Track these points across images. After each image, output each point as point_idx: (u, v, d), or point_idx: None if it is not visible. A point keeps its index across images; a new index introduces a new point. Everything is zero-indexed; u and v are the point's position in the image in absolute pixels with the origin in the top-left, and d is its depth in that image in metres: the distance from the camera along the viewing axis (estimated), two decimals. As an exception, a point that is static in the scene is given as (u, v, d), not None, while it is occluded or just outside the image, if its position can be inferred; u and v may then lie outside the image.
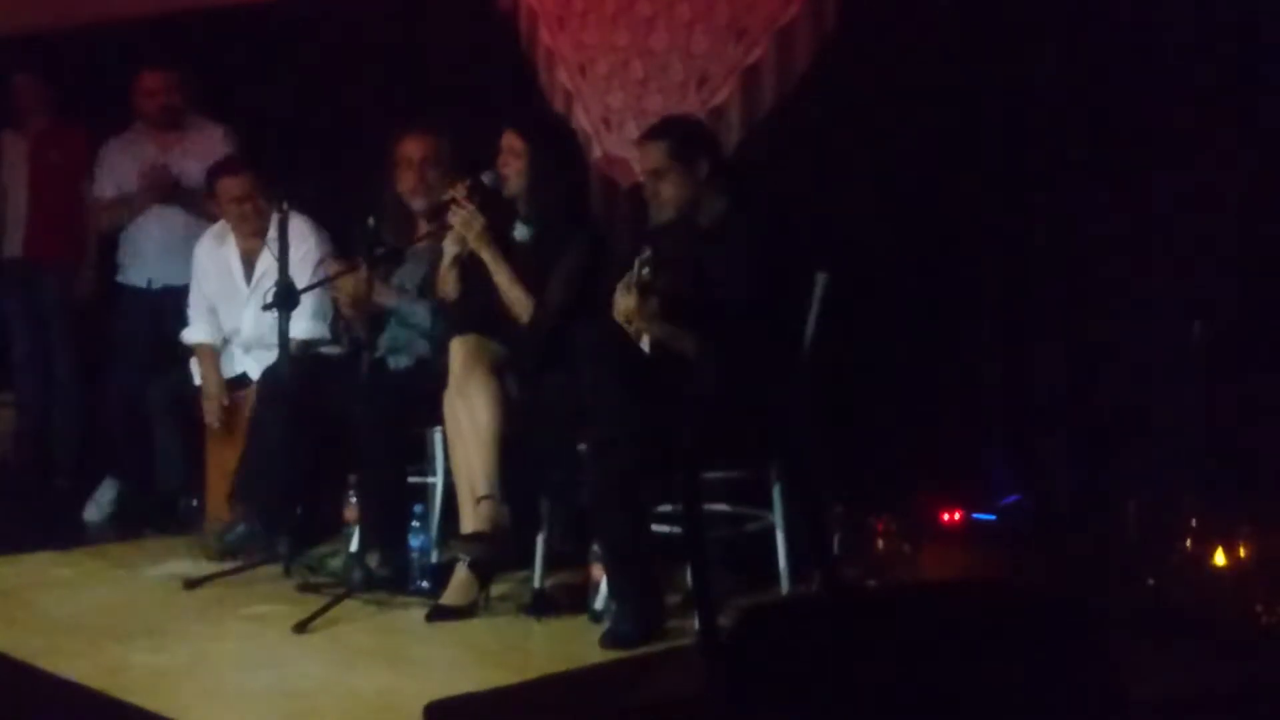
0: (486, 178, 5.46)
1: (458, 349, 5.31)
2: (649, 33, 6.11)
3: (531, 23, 6.48)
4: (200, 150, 6.90)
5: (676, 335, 4.92)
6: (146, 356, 6.85)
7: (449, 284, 5.52)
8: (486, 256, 5.40)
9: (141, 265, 6.95)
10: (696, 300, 4.94)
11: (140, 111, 7.00)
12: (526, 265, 5.45)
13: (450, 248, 5.52)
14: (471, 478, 5.23)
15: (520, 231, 5.50)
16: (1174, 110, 4.92)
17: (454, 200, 5.45)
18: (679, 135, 5.16)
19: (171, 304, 6.80)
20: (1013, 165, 5.31)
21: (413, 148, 5.83)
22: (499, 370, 5.31)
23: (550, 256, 5.42)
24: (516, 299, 5.37)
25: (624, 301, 4.91)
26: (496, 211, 5.50)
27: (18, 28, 7.62)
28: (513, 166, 5.46)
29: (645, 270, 4.84)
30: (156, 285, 6.91)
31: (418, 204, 5.81)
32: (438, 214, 5.65)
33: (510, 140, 5.47)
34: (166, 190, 6.84)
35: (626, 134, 6.03)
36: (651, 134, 5.25)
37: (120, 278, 7.03)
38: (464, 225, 5.40)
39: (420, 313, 5.83)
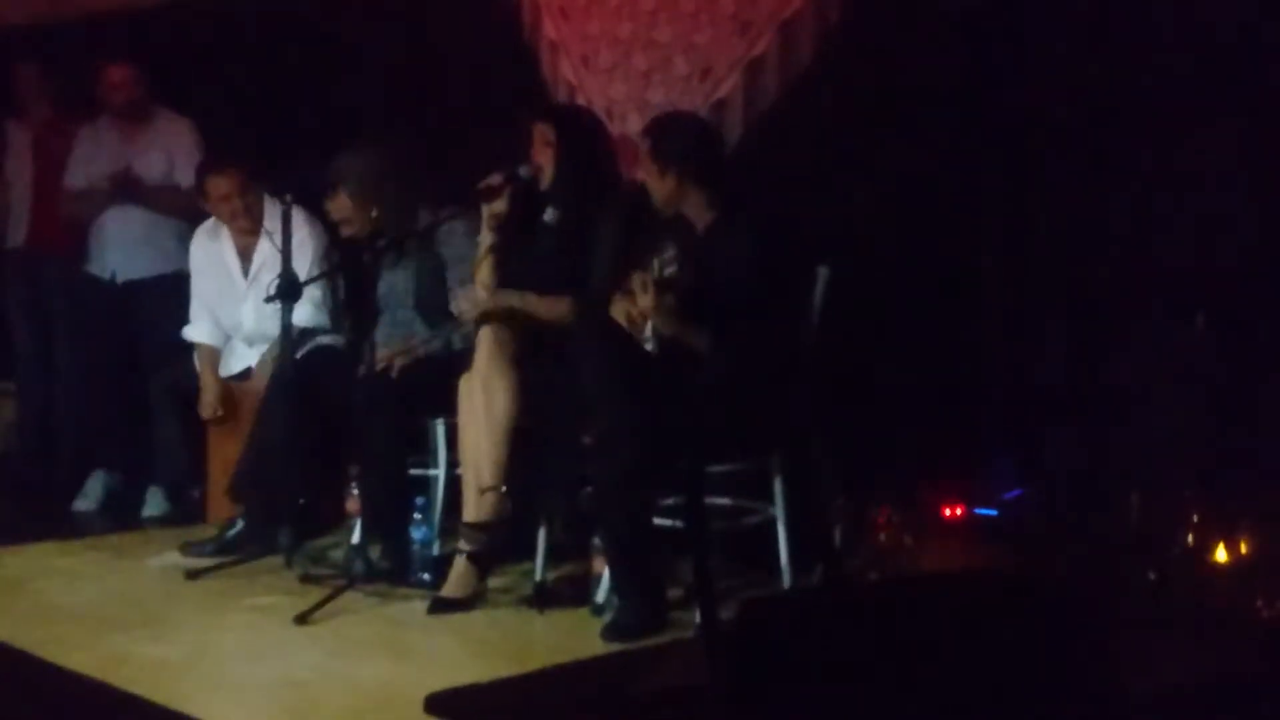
0: (523, 171, 5.46)
1: (484, 338, 5.31)
2: (652, 25, 6.11)
3: (535, 14, 6.47)
4: (166, 143, 6.95)
5: (689, 332, 4.91)
6: (110, 347, 6.98)
7: (484, 275, 5.51)
8: (515, 302, 5.40)
9: (104, 258, 6.98)
10: (702, 299, 4.92)
11: (106, 105, 7.02)
12: (556, 246, 5.46)
13: (485, 238, 5.52)
14: (479, 466, 5.24)
15: (549, 215, 5.50)
16: (1179, 101, 4.91)
17: (484, 191, 5.46)
18: (657, 136, 5.16)
19: (134, 298, 6.91)
20: (1016, 158, 5.30)
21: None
22: (521, 361, 5.31)
23: (577, 235, 5.42)
24: (555, 310, 5.35)
25: (641, 299, 4.90)
26: (530, 203, 5.53)
27: (20, 17, 7.62)
28: (546, 156, 5.48)
29: (669, 270, 4.82)
30: (120, 278, 6.94)
31: (347, 232, 5.92)
32: (476, 199, 5.66)
33: (542, 131, 5.48)
34: (129, 190, 6.86)
35: (629, 126, 6.02)
36: (643, 130, 5.29)
37: (86, 267, 7.06)
38: (469, 306, 5.41)
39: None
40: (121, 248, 6.92)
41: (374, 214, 5.70)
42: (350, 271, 6.11)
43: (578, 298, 5.32)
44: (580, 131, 5.58)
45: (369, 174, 5.86)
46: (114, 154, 6.93)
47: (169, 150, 6.92)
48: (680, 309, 4.87)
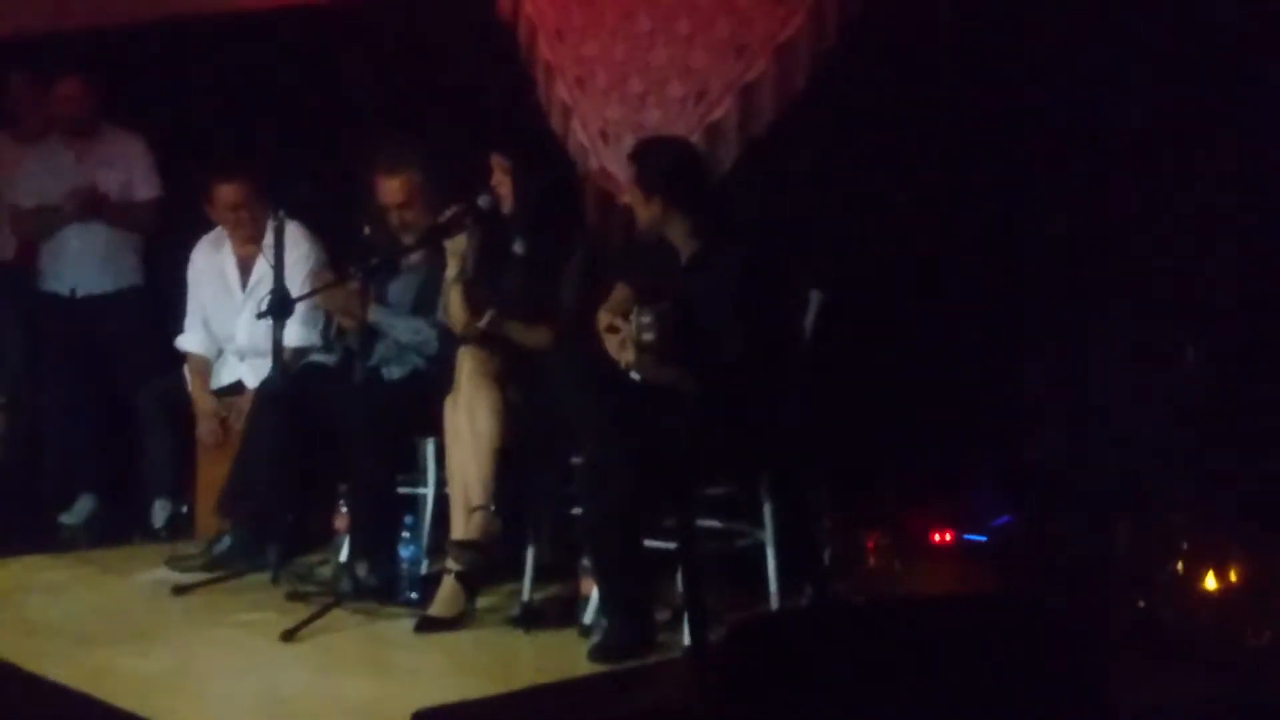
0: (482, 201, 5.48)
1: (465, 358, 5.32)
2: (648, 47, 6.10)
3: (531, 35, 6.46)
4: (122, 159, 6.95)
5: (670, 377, 4.90)
6: (79, 365, 6.96)
7: (455, 307, 5.51)
8: (500, 332, 5.39)
9: (64, 274, 6.96)
10: (686, 336, 4.91)
11: (56, 119, 7.00)
12: (526, 278, 5.47)
13: (450, 271, 5.53)
14: (467, 486, 5.25)
15: (518, 246, 5.52)
16: (1174, 131, 4.92)
17: (446, 225, 5.47)
18: (642, 161, 5.18)
19: (97, 312, 6.90)
20: (1009, 183, 5.31)
21: (386, 191, 5.83)
22: (503, 381, 5.32)
23: (547, 266, 5.45)
24: (536, 338, 5.37)
25: (623, 355, 4.91)
26: (493, 232, 5.53)
27: (12, 28, 7.61)
28: (504, 185, 5.50)
29: (648, 336, 4.81)
30: (80, 294, 6.93)
31: (406, 239, 5.83)
32: (427, 240, 5.65)
33: (497, 160, 5.52)
34: (94, 208, 6.85)
35: (624, 148, 5.99)
36: (628, 155, 5.31)
37: (42, 286, 7.04)
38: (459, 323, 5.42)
39: (410, 330, 5.82)
40: (83, 264, 6.91)
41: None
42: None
43: (555, 327, 5.34)
44: (537, 160, 5.62)
45: (431, 167, 5.86)
46: (70, 171, 6.91)
47: (126, 166, 6.94)
48: (662, 355, 4.86)
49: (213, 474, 6.29)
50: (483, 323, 5.33)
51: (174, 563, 5.97)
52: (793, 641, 2.74)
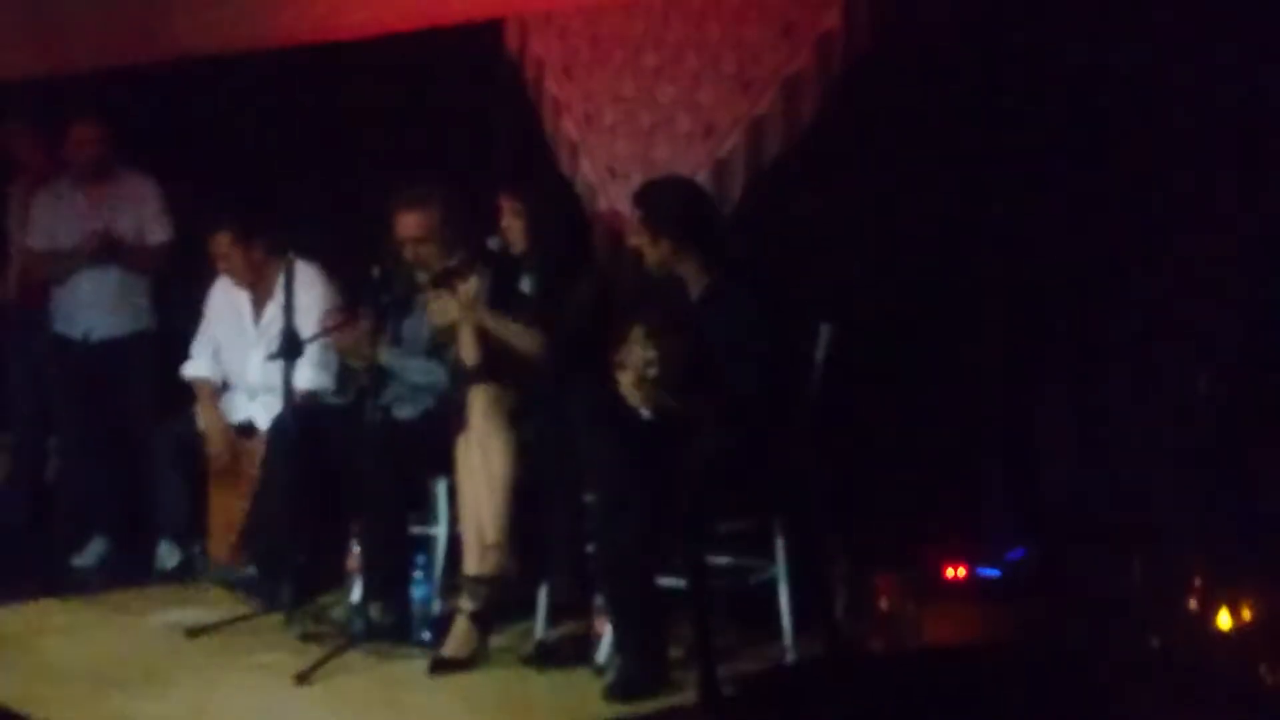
0: (492, 243, 5.51)
1: (479, 397, 5.32)
2: (656, 83, 6.11)
3: (538, 72, 6.47)
4: (131, 202, 6.95)
5: (680, 408, 4.91)
6: (90, 408, 6.97)
7: (468, 351, 5.52)
8: (487, 324, 5.43)
9: (77, 318, 6.95)
10: (700, 370, 4.91)
11: (71, 162, 7.00)
12: (532, 316, 5.49)
13: (462, 313, 5.54)
14: (480, 524, 5.25)
15: (526, 284, 5.53)
16: (1186, 160, 4.92)
17: (458, 268, 5.49)
18: (647, 203, 5.20)
19: (109, 356, 6.90)
20: (1018, 216, 5.30)
21: (405, 226, 5.80)
22: (516, 419, 5.32)
23: (555, 304, 5.47)
24: (527, 341, 5.40)
25: (633, 395, 4.92)
26: (504, 272, 5.55)
27: (14, 71, 7.63)
28: (514, 227, 5.54)
29: (652, 370, 4.82)
30: (94, 338, 6.93)
31: (421, 276, 5.81)
32: (439, 283, 5.66)
33: (508, 202, 5.56)
34: (110, 251, 6.86)
35: (632, 185, 5.99)
36: (633, 198, 5.33)
37: (54, 329, 7.04)
38: (441, 313, 5.45)
39: (422, 371, 5.83)
40: (97, 307, 6.91)
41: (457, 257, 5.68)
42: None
43: (549, 342, 5.38)
44: (548, 202, 5.68)
45: (452, 207, 5.87)
46: (83, 214, 6.92)
47: (138, 209, 6.94)
48: (668, 388, 4.87)
49: (225, 512, 6.30)
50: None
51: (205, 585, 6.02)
52: (805, 695, 2.74)
